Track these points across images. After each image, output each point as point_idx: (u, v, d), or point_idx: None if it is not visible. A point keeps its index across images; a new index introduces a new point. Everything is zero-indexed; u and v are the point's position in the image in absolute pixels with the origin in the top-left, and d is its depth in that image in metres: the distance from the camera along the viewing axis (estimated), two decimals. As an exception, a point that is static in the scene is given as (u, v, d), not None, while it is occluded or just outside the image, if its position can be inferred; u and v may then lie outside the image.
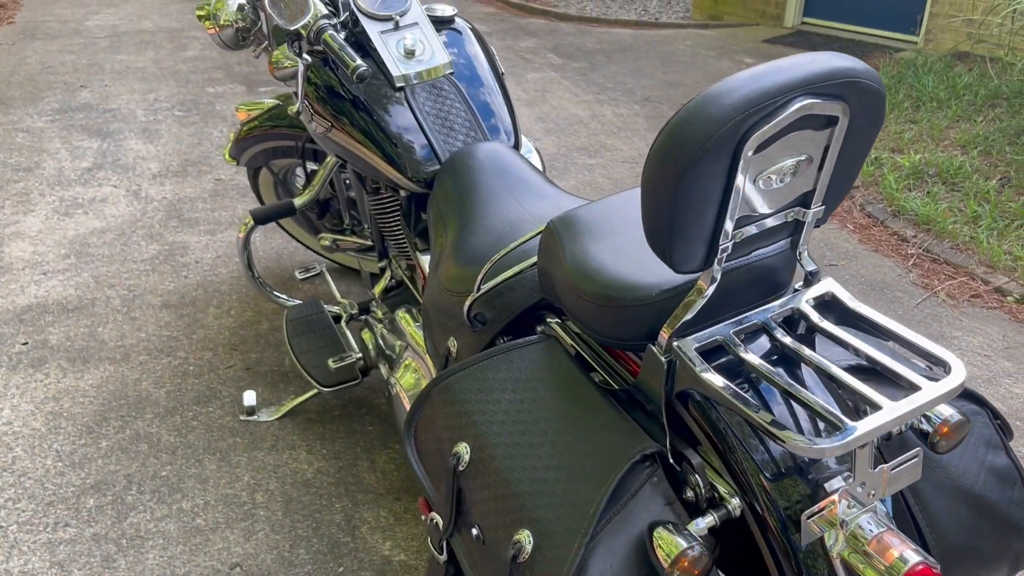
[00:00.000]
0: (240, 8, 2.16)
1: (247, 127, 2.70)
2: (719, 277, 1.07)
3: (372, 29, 1.96)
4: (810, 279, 1.19)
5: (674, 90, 5.43)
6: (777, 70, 0.95)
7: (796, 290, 1.21)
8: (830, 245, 3.51)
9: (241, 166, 2.86)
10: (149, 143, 4.30)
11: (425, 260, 1.92)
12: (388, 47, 1.94)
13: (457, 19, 2.14)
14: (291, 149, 2.67)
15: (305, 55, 1.86)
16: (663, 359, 1.11)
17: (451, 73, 1.96)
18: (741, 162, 0.95)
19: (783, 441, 0.95)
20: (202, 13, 2.18)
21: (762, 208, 1.05)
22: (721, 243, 1.03)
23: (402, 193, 2.02)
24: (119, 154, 4.14)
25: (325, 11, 1.86)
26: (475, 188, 1.77)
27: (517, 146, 1.97)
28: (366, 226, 2.74)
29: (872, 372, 1.09)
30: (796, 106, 0.94)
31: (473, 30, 2.14)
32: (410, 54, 1.93)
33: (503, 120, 1.97)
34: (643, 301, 1.14)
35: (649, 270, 1.18)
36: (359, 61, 1.77)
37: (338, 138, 2.00)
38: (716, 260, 1.05)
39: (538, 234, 1.47)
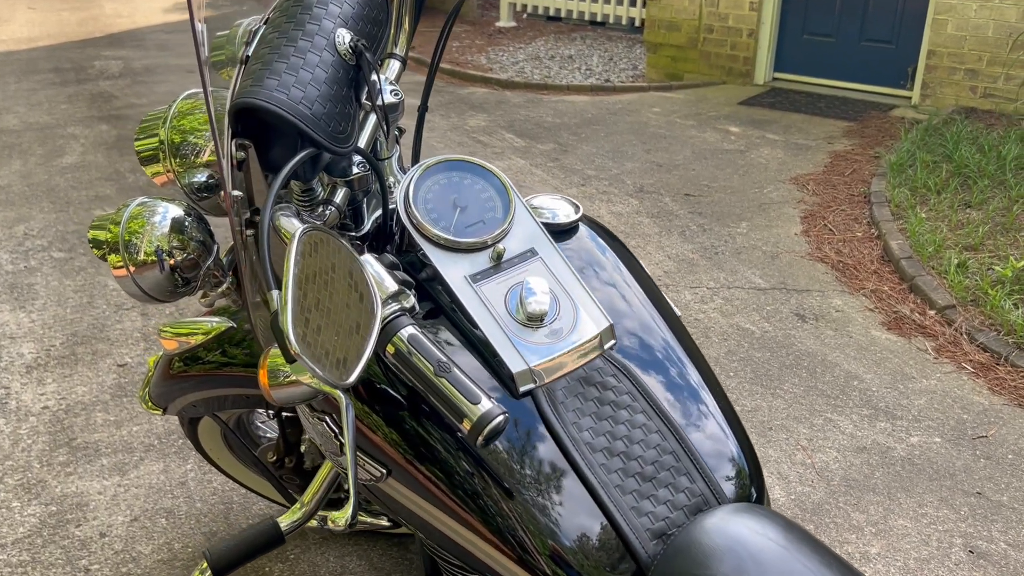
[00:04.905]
0: (179, 228, 1.14)
1: (180, 363, 1.67)
2: None
3: (452, 272, 1.00)
4: None
5: (667, 174, 4.59)
6: None
7: None
8: (960, 402, 2.68)
9: (170, 415, 1.83)
10: (19, 309, 3.16)
11: None
12: (491, 309, 0.98)
13: (582, 225, 1.19)
14: (253, 399, 1.65)
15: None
16: None
17: (613, 345, 1.01)
18: None
19: None
20: (102, 236, 1.16)
21: None
22: None
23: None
24: (-24, 332, 3.00)
25: (395, 287, 0.88)
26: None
27: (761, 495, 1.02)
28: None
29: None
30: None
31: (609, 236, 1.20)
32: (535, 319, 0.98)
33: (725, 437, 1.02)
34: None
35: None
36: (485, 401, 0.80)
37: (402, 496, 1.02)
38: None
39: None
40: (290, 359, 0.83)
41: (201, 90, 1.24)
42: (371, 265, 0.88)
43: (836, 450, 2.45)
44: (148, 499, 2.22)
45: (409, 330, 0.84)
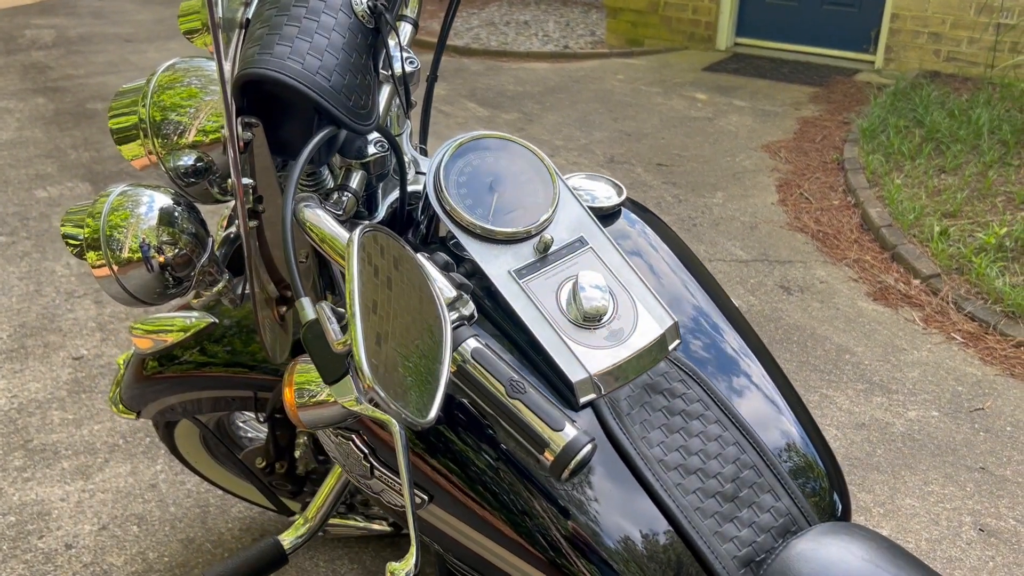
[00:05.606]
0: (168, 220, 0.98)
1: (155, 363, 1.52)
2: None
3: (494, 267, 0.87)
4: None
5: (637, 143, 4.48)
6: None
7: None
8: (953, 373, 2.63)
9: (144, 419, 1.67)
10: (-40, 299, 2.93)
11: None
12: (542, 309, 0.85)
13: (624, 208, 1.07)
14: (238, 402, 1.50)
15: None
16: None
17: (677, 346, 0.89)
18: None
19: None
20: (78, 231, 1.00)
21: None
22: None
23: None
24: (-87, 326, 2.77)
25: (453, 292, 0.75)
26: None
27: (848, 510, 0.92)
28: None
29: None
30: None
31: (655, 221, 1.08)
32: (591, 319, 0.85)
33: (806, 445, 0.92)
34: None
35: None
36: (569, 427, 0.68)
37: (441, 522, 0.89)
38: None
39: None
40: (329, 381, 0.69)
41: (182, 60, 1.08)
42: (427, 268, 0.75)
43: (835, 427, 2.39)
44: (116, 505, 2.05)
45: (472, 343, 0.71)
